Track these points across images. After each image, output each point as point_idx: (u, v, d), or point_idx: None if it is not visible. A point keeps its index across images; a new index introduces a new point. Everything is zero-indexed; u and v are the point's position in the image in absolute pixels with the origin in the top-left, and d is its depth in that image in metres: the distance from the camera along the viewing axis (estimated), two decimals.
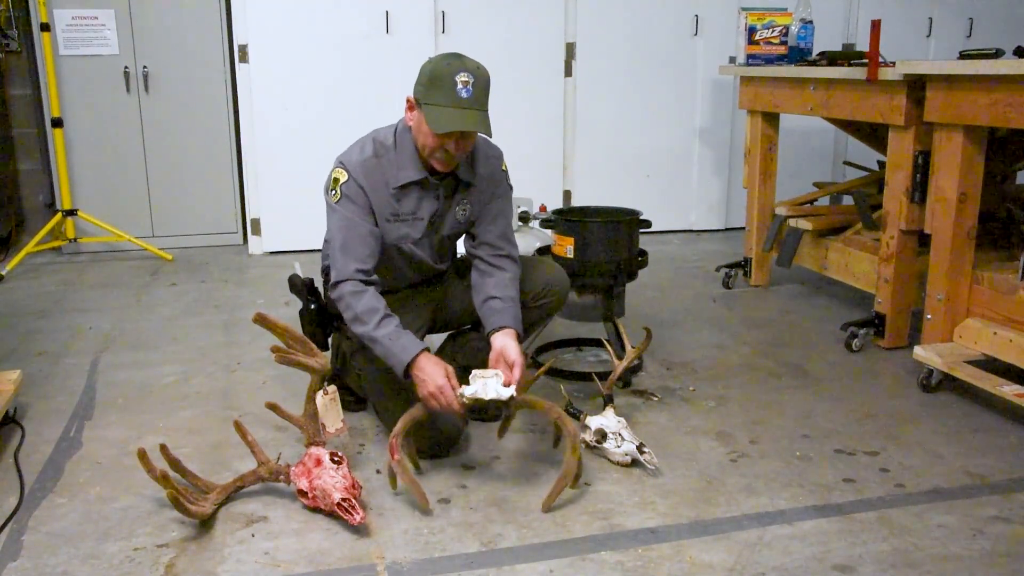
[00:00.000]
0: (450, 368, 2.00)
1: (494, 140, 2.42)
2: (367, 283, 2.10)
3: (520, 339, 2.17)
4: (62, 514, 1.94)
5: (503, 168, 2.31)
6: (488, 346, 2.42)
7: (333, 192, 2.14)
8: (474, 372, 2.00)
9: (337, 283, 2.10)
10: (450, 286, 2.43)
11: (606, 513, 1.93)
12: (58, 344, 3.11)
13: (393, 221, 2.18)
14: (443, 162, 2.10)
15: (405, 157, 2.15)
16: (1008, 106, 2.38)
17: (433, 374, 1.97)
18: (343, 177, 2.13)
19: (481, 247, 2.28)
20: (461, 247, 2.48)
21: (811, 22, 3.61)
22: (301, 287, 2.38)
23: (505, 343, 2.11)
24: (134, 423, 2.43)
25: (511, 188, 2.35)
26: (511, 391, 1.98)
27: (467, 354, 2.44)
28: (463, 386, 1.98)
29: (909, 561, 1.75)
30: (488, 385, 1.97)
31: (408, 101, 2.12)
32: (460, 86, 1.99)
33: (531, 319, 2.36)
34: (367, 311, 2.05)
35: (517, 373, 2.04)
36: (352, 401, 2.47)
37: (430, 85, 2.03)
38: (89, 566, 1.74)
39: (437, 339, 2.57)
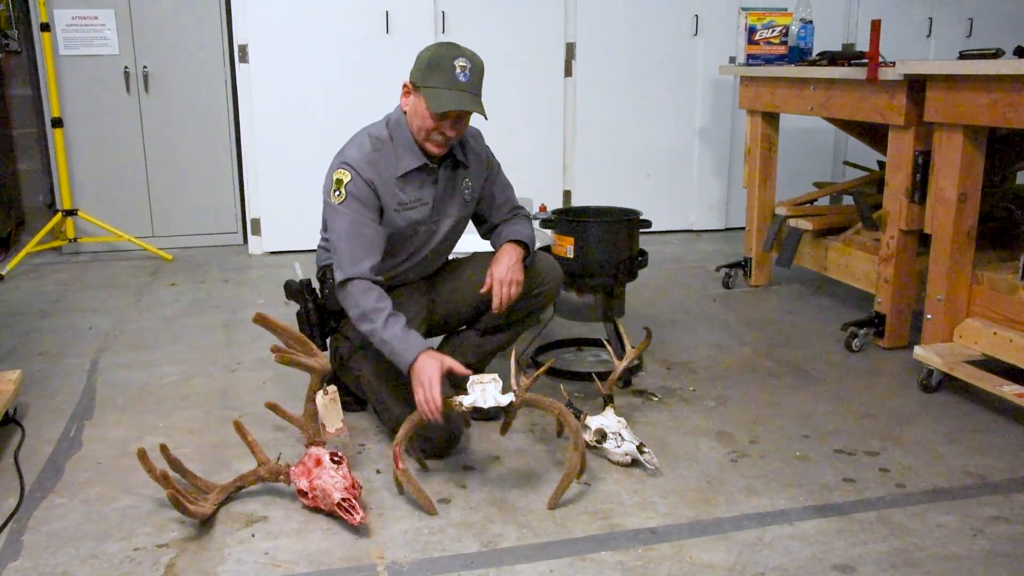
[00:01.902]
0: (447, 361, 2.00)
1: (493, 137, 2.46)
2: (374, 282, 2.11)
3: (527, 252, 2.30)
4: (62, 514, 1.93)
5: (485, 145, 2.41)
6: (486, 342, 2.43)
7: (337, 193, 2.15)
8: (472, 379, 1.99)
9: (344, 282, 2.11)
10: (444, 285, 2.44)
11: (606, 513, 1.93)
12: (58, 344, 3.11)
13: (401, 210, 2.22)
14: (439, 144, 2.16)
15: (403, 147, 2.20)
16: (1008, 106, 2.38)
17: (427, 371, 1.96)
18: (347, 177, 2.15)
19: (496, 228, 2.41)
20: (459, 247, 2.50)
21: (811, 22, 3.61)
22: (298, 290, 2.38)
23: (497, 257, 2.25)
24: (134, 423, 2.43)
25: (498, 162, 2.44)
26: (510, 397, 1.97)
27: (466, 352, 2.44)
28: (461, 395, 1.98)
29: (909, 561, 1.75)
30: (487, 392, 1.96)
31: (405, 86, 2.18)
32: (459, 70, 2.08)
33: (527, 308, 2.38)
34: (374, 309, 2.06)
35: (501, 291, 2.19)
36: (351, 401, 2.47)
37: (429, 70, 2.10)
38: (89, 566, 1.74)
39: (435, 342, 2.57)
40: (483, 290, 2.23)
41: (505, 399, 1.96)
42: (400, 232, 2.24)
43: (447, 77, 2.07)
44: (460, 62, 2.08)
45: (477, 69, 2.12)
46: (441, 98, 2.07)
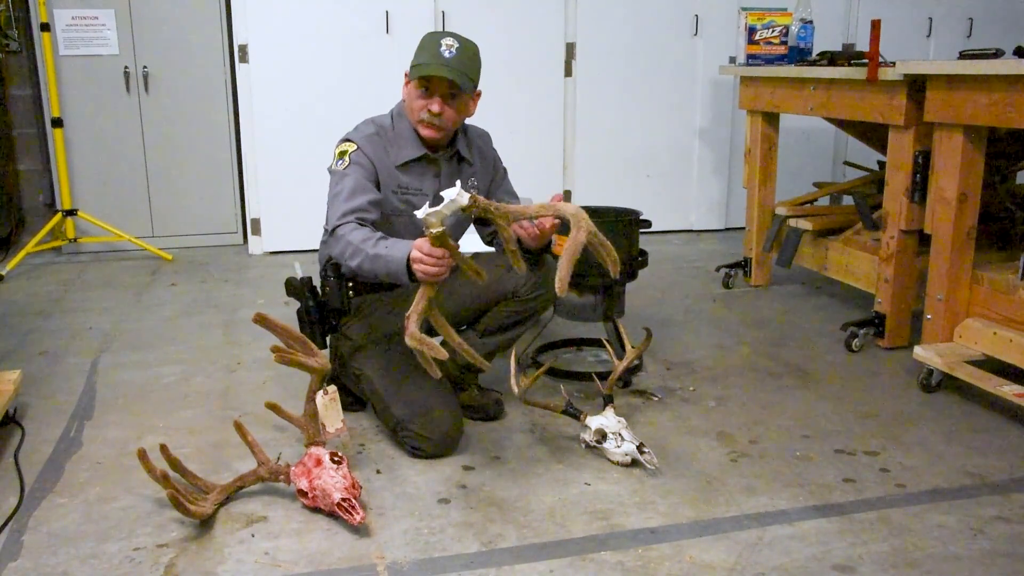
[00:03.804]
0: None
1: (493, 137, 2.46)
2: (363, 224, 2.11)
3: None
4: (62, 514, 1.93)
5: (493, 148, 2.44)
6: (487, 343, 2.43)
7: (340, 162, 2.21)
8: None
9: (336, 227, 2.12)
10: (445, 286, 2.43)
11: (606, 513, 1.93)
12: (58, 344, 3.11)
13: (400, 193, 2.26)
14: (429, 125, 2.20)
15: (404, 137, 2.25)
16: (1008, 106, 2.38)
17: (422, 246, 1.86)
18: (352, 148, 2.21)
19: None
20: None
21: (811, 22, 3.61)
22: (299, 288, 2.38)
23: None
24: (134, 423, 2.43)
25: (505, 168, 2.47)
26: (459, 192, 1.70)
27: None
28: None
29: (909, 561, 1.75)
30: (446, 195, 1.69)
31: (405, 77, 2.25)
32: (444, 48, 2.15)
33: (527, 311, 2.37)
34: (364, 239, 2.04)
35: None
36: (351, 401, 2.47)
37: (418, 51, 2.19)
38: (89, 566, 1.74)
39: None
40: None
41: (455, 191, 1.70)
42: (401, 227, 2.24)
43: (432, 53, 2.15)
44: (447, 41, 2.15)
45: (465, 50, 2.16)
46: (422, 68, 2.14)
